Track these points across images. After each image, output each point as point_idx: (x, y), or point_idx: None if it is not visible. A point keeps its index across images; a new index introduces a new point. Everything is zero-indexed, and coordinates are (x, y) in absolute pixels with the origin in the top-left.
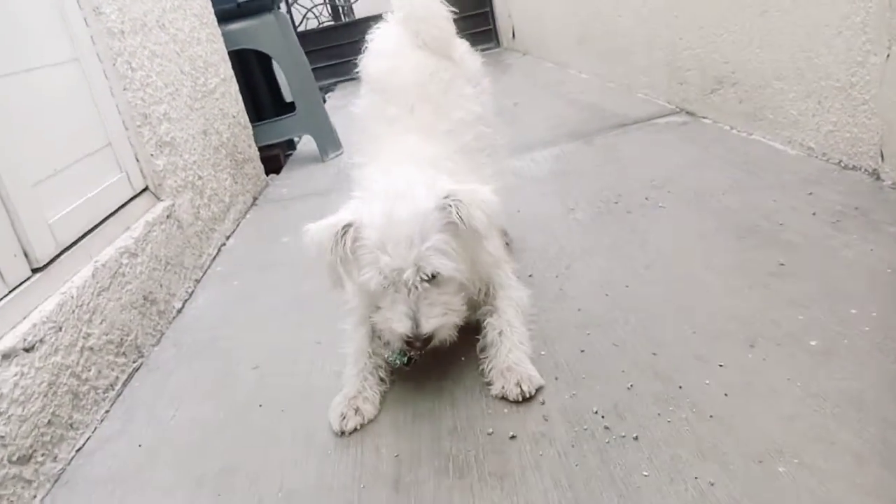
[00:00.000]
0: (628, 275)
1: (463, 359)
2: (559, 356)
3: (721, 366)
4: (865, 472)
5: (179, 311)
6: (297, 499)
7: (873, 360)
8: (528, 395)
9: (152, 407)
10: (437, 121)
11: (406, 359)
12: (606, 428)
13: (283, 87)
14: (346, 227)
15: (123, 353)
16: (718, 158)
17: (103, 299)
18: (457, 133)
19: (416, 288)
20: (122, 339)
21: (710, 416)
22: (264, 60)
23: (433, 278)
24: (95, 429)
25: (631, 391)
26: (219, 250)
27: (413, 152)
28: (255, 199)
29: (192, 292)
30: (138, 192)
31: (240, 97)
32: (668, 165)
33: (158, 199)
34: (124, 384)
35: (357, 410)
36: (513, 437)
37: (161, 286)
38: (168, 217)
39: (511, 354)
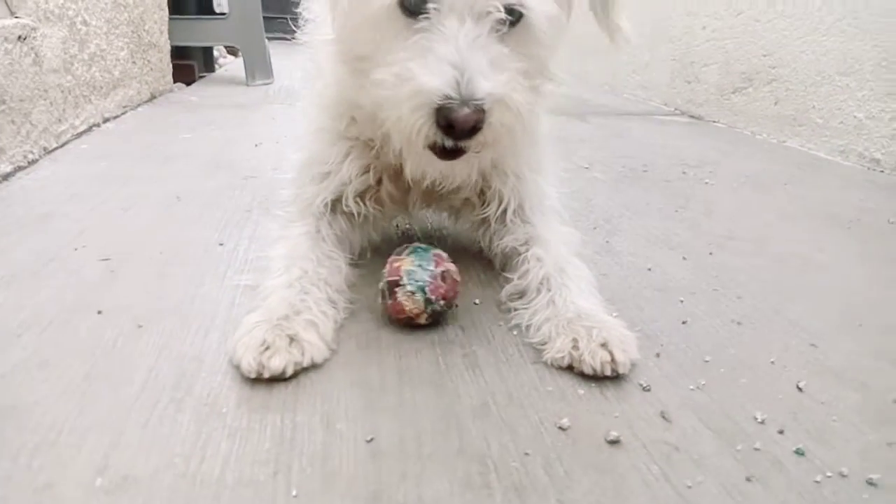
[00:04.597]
0: (705, 242)
1: (478, 301)
2: (648, 324)
3: None
4: None
5: (7, 176)
6: None
7: None
8: (621, 370)
9: None
10: None
11: (423, 291)
12: (798, 453)
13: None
14: None
15: None
16: (753, 155)
17: None
18: None
19: (478, 22)
20: None
21: None
22: None
23: (512, 23)
24: None
25: (806, 394)
26: (90, 128)
27: None
28: (153, 96)
29: (35, 161)
30: None
31: None
32: (693, 150)
33: (12, 12)
34: None
35: (293, 340)
36: (614, 443)
37: None
38: (20, 40)
39: (581, 301)
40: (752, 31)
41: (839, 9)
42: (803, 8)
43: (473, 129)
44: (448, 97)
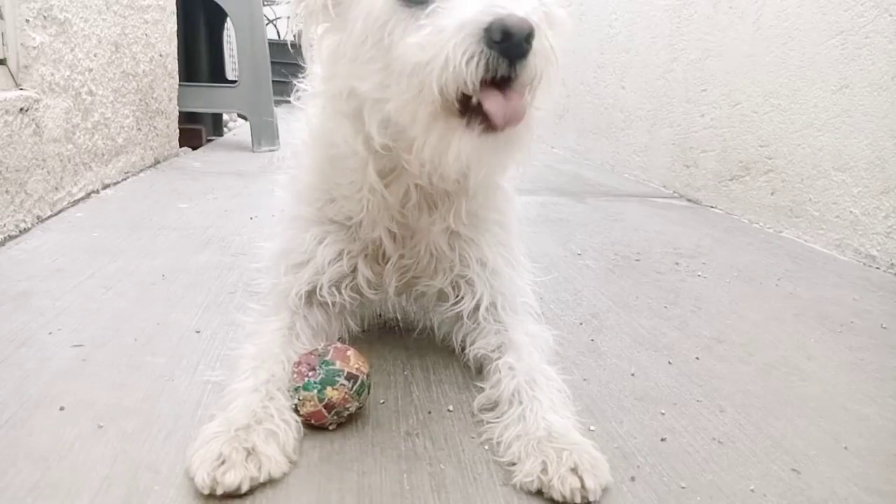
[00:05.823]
0: (693, 345)
1: (451, 409)
2: (625, 440)
3: None
4: None
5: None
6: None
7: None
8: (591, 498)
9: None
10: None
11: (360, 385)
12: None
13: (226, 67)
14: None
15: None
16: (748, 244)
17: None
18: None
19: None
20: None
21: None
22: (213, 26)
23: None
24: None
25: None
26: (88, 194)
27: None
28: (157, 161)
29: (27, 230)
30: None
31: (174, 41)
32: (688, 238)
33: (17, 84)
34: None
35: (250, 453)
36: None
37: None
38: (22, 112)
39: (552, 417)
40: (749, 121)
41: (833, 107)
42: (798, 103)
43: (528, 38)
44: (496, 7)
